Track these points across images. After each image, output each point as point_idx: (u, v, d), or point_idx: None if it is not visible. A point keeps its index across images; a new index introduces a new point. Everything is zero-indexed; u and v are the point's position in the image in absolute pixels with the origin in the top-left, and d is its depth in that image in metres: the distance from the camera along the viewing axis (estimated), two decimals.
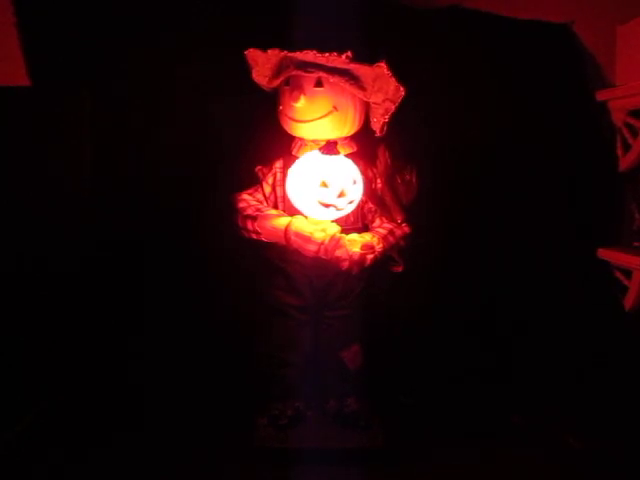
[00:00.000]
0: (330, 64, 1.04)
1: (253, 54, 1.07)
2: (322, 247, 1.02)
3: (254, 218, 1.08)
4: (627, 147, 1.41)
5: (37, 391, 1.21)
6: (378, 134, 1.16)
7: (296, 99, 1.04)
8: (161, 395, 1.23)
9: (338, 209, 1.04)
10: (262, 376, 1.15)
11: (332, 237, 1.02)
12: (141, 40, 1.28)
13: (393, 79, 1.04)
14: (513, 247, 1.38)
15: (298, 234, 1.03)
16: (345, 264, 1.04)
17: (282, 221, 1.06)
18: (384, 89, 1.06)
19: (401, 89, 1.06)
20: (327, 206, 1.03)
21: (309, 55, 1.02)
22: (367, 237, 1.07)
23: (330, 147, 1.04)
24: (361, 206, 1.12)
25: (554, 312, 1.38)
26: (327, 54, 1.01)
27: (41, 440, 1.11)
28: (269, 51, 1.05)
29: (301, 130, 1.10)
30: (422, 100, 1.11)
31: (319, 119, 1.07)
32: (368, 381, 1.15)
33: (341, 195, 1.03)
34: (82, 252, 1.28)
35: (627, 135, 1.40)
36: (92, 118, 1.27)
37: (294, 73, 1.05)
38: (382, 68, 1.03)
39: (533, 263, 1.39)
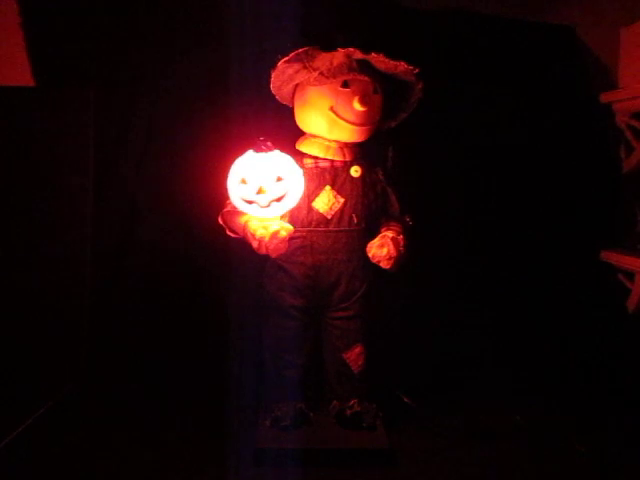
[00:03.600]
0: (395, 74, 1.05)
1: (347, 52, 1.02)
2: (263, 244, 1.01)
3: (224, 214, 1.10)
4: (630, 149, 1.41)
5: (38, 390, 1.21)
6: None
7: (363, 103, 1.03)
8: (163, 395, 1.23)
9: (261, 206, 1.02)
10: (265, 377, 1.15)
11: (273, 235, 1.01)
12: (143, 41, 1.28)
13: (421, 94, 1.08)
14: (516, 248, 1.38)
15: (249, 231, 1.04)
16: (390, 262, 1.06)
17: (243, 218, 1.06)
18: (405, 99, 1.11)
19: (415, 104, 1.10)
20: (250, 202, 1.02)
21: (396, 64, 1.02)
22: (393, 234, 1.09)
23: (259, 145, 1.02)
24: (365, 207, 1.11)
25: (557, 314, 1.38)
26: (411, 67, 1.02)
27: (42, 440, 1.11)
28: (368, 54, 1.02)
29: (348, 133, 1.08)
30: (426, 101, 1.11)
31: (371, 124, 1.08)
32: (371, 382, 1.15)
33: (260, 192, 1.01)
34: (87, 248, 1.28)
35: (630, 137, 1.40)
36: (96, 118, 1.27)
37: (360, 77, 1.04)
38: (419, 84, 1.06)
39: (536, 265, 1.39)
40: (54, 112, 1.25)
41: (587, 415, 1.20)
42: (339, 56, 1.02)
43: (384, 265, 1.07)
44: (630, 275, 1.38)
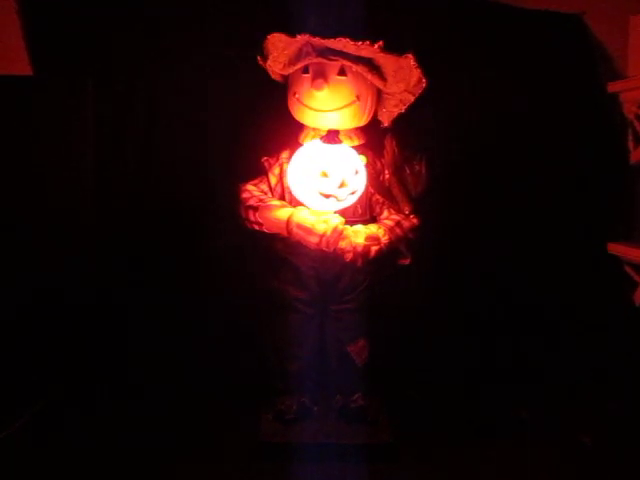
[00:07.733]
0: (356, 53, 1.01)
1: (275, 39, 1.02)
2: (324, 239, 0.99)
3: (256, 209, 1.06)
4: (638, 140, 1.39)
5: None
6: (386, 124, 1.15)
7: (319, 87, 1.01)
8: (166, 390, 1.22)
9: (339, 200, 1.01)
10: (268, 371, 1.14)
11: (334, 229, 0.99)
12: (143, 28, 1.26)
13: (418, 71, 1.03)
14: (523, 242, 1.37)
15: (300, 226, 1.00)
16: (349, 256, 1.02)
17: (284, 212, 1.03)
18: (406, 80, 1.06)
19: (423, 81, 1.05)
20: (328, 197, 1.00)
21: (339, 43, 0.99)
22: (373, 228, 1.05)
23: (332, 136, 1.01)
24: (369, 197, 1.10)
25: (564, 307, 1.37)
26: (360, 42, 0.98)
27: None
28: (293, 36, 1.00)
29: (318, 120, 1.06)
30: (430, 91, 1.09)
31: (341, 109, 1.05)
32: (375, 376, 1.14)
33: (342, 185, 1.00)
34: (83, 245, 1.26)
35: (638, 127, 1.38)
36: (95, 108, 1.25)
37: (316, 60, 1.02)
38: (409, 59, 1.02)
39: (543, 258, 1.37)
40: (52, 101, 1.23)
41: (591, 409, 1.20)
42: (271, 42, 1.03)
43: (345, 258, 1.03)
44: (637, 267, 1.37)
